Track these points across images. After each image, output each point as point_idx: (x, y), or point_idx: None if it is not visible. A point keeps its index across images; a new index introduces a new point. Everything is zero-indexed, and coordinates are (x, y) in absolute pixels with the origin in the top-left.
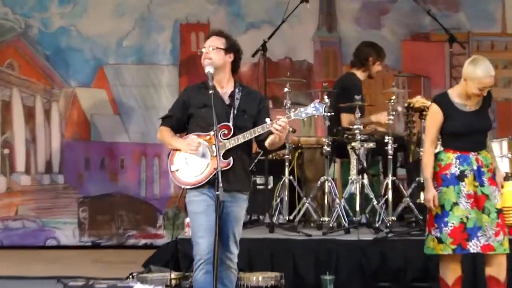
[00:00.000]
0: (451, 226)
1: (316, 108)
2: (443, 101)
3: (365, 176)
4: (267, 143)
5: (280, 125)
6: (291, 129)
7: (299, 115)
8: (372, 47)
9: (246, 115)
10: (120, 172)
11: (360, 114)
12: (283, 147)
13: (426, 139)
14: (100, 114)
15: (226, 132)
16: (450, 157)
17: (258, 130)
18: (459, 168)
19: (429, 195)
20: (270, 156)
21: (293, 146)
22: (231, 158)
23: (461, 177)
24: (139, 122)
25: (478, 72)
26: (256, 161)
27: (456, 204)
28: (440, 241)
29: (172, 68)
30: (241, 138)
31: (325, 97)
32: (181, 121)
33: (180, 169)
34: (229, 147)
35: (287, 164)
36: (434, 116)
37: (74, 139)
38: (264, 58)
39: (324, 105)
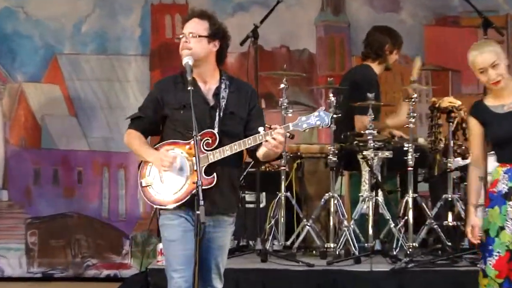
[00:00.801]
0: (496, 256)
1: (321, 118)
2: (477, 109)
3: (380, 192)
4: (259, 154)
5: (275, 139)
6: (288, 135)
7: (299, 125)
8: (386, 33)
9: (235, 118)
10: (78, 187)
11: (374, 116)
12: (279, 157)
13: (470, 159)
14: (53, 115)
15: (209, 141)
16: (499, 172)
17: (249, 142)
18: (507, 185)
19: (467, 226)
20: (263, 167)
21: (291, 155)
22: (215, 174)
23: (508, 195)
24: (101, 125)
25: (469, 57)
26: (245, 173)
27: (502, 228)
28: (484, 274)
29: (142, 59)
30: (227, 150)
31: (331, 95)
32: (155, 123)
33: (153, 184)
34: (213, 160)
35: (283, 177)
36: (471, 130)
37: (21, 146)
38: (255, 46)
39: (330, 114)
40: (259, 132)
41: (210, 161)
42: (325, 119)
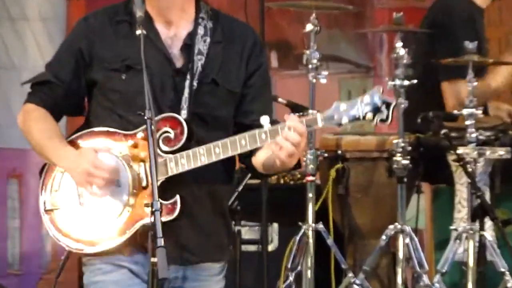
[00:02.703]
0: None
1: (373, 106)
2: None
3: (489, 223)
4: (257, 162)
5: (288, 139)
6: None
7: (335, 119)
8: None
9: (221, 92)
10: None
11: (476, 81)
12: (295, 166)
13: None
14: None
15: (170, 134)
16: None
17: (242, 143)
18: None
19: None
20: (273, 178)
21: (326, 154)
22: (177, 197)
23: None
24: None
25: None
26: (240, 188)
27: None
28: None
29: None
30: (202, 156)
31: (398, 44)
32: (75, 94)
33: (64, 208)
34: (173, 172)
35: (311, 195)
36: None
37: None
38: None
39: (393, 102)
40: (260, 125)
41: (169, 174)
42: (383, 110)
